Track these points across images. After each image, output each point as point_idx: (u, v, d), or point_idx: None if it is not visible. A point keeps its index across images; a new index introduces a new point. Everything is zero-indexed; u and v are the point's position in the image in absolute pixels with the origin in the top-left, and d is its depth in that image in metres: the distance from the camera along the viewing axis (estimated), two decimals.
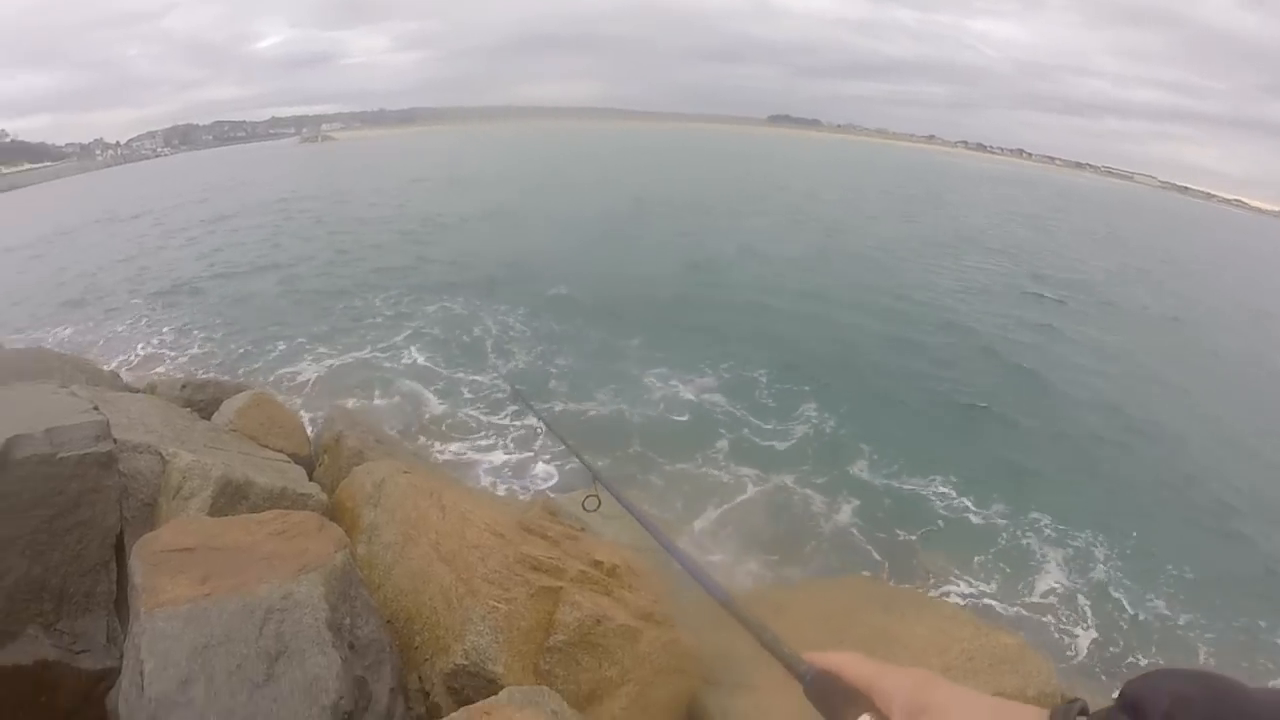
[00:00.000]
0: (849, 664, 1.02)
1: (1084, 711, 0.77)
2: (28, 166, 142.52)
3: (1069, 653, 9.53)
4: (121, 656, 4.15)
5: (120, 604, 4.70)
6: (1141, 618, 10.29)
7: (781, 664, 1.14)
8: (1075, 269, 36.25)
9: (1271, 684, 5.83)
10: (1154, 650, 9.76)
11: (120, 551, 4.86)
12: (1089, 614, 10.22)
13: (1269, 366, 23.52)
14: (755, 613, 1.32)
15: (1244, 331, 28.97)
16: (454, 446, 13.42)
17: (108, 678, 4.39)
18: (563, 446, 13.36)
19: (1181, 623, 10.32)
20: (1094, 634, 9.85)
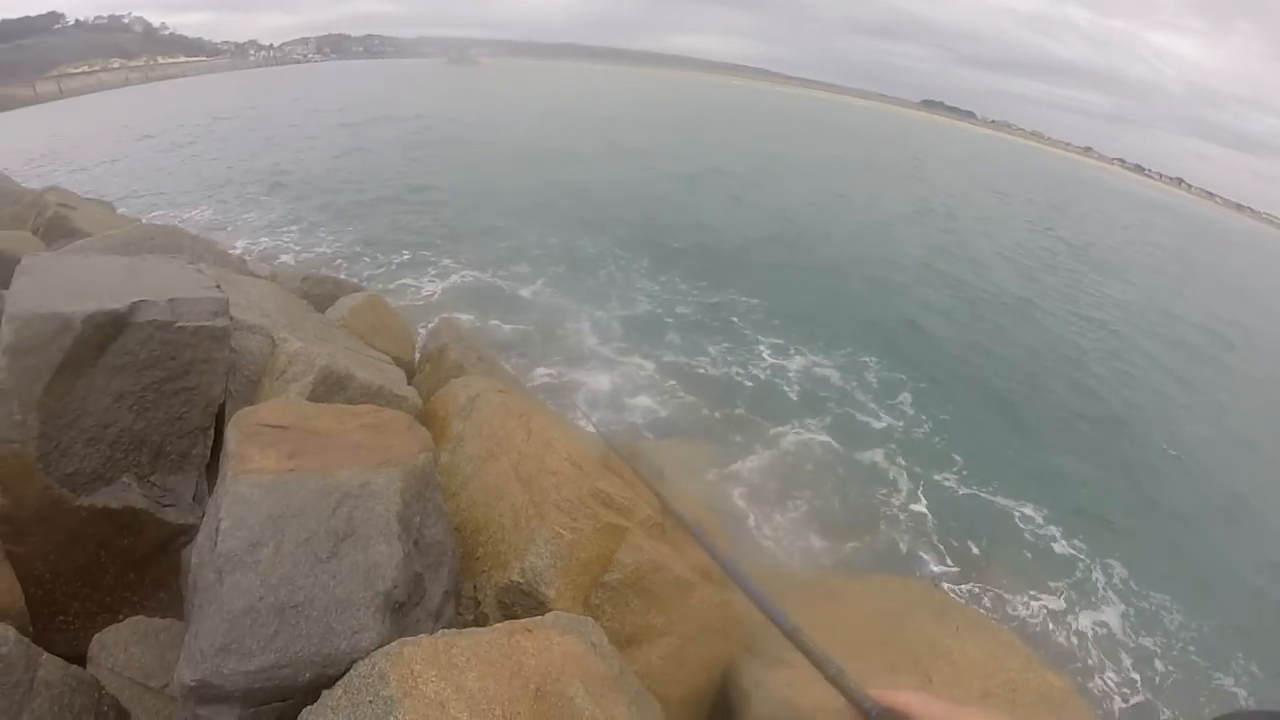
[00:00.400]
0: (917, 704, 1.00)
1: None
2: (183, 59, 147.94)
3: (1108, 707, 9.30)
4: (201, 517, 4.45)
5: (212, 470, 4.99)
6: (1194, 693, 9.93)
7: (845, 698, 1.13)
8: (1221, 320, 34.36)
9: None
10: None
11: (220, 421, 5.14)
12: (1137, 677, 9.88)
13: None
14: (821, 645, 1.33)
15: None
16: (557, 371, 13.76)
17: (186, 533, 4.71)
18: (671, 382, 13.62)
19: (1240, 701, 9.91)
20: (1139, 698, 9.57)
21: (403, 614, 3.61)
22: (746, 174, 41.60)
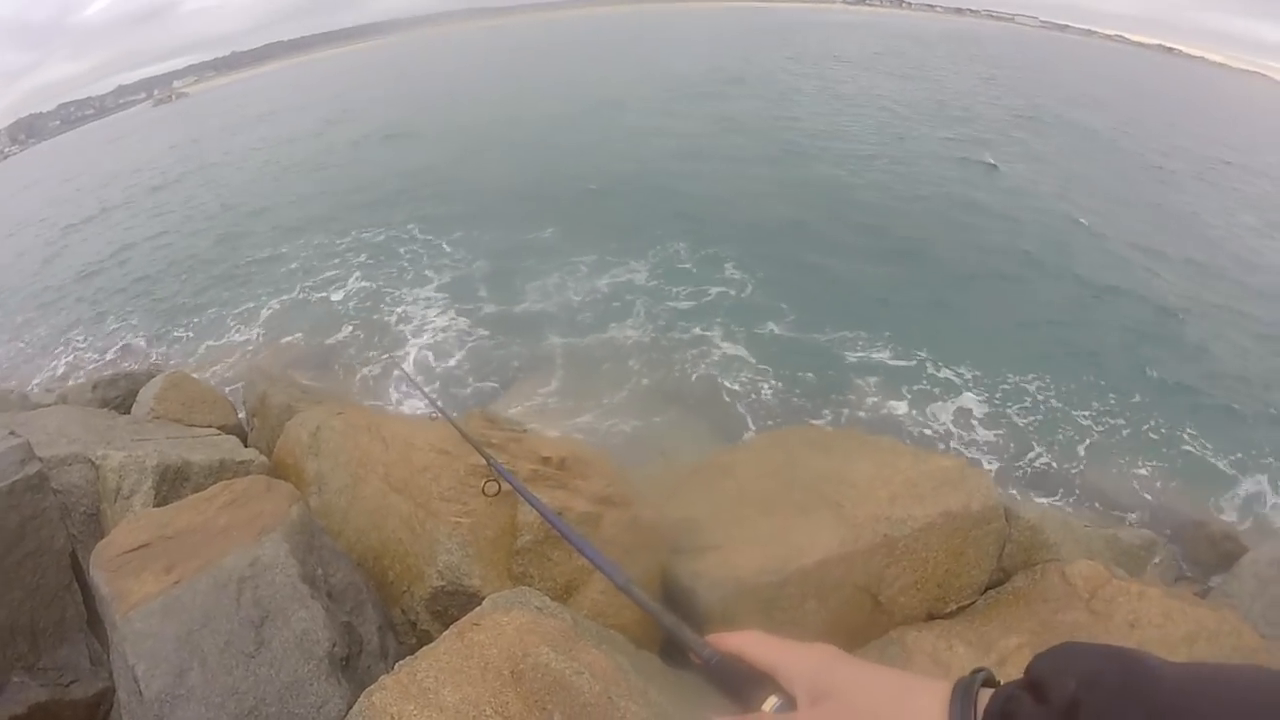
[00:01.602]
0: (751, 644, 1.02)
1: (988, 682, 0.78)
2: None
3: (995, 463, 10.31)
4: (110, 675, 4.19)
5: (93, 623, 4.69)
6: (1054, 432, 11.09)
7: (684, 647, 1.12)
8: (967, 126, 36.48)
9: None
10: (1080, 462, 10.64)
11: (78, 570, 4.83)
12: (1006, 433, 11.10)
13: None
14: (653, 596, 1.34)
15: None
16: (391, 363, 13.57)
17: (104, 700, 4.42)
18: (496, 334, 13.63)
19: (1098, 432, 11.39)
20: (1013, 446, 10.72)
21: (352, 667, 3.56)
22: (483, 120, 40.84)
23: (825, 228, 18.90)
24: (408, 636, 4.63)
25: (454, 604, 4.51)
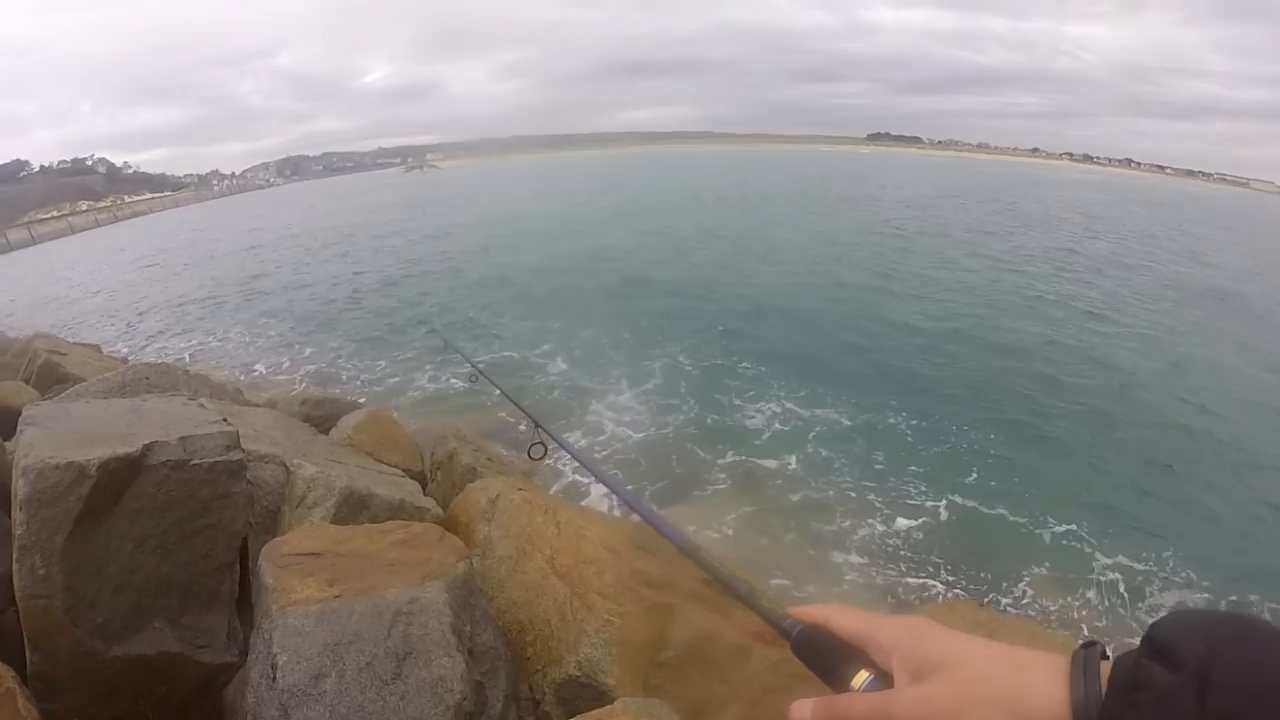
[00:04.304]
0: (837, 616, 1.00)
1: (1105, 655, 0.75)
2: (149, 196, 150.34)
3: None
4: (241, 653, 4.42)
5: (241, 604, 4.90)
6: None
7: (762, 619, 1.11)
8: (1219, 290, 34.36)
9: None
10: None
11: (244, 555, 5.06)
12: None
13: None
14: (726, 565, 1.25)
15: None
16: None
17: (225, 672, 4.60)
18: (691, 463, 13.47)
19: None
20: None
21: None
22: (711, 242, 41.38)
23: (1014, 401, 17.67)
24: (527, 715, 4.60)
25: (583, 696, 4.47)
